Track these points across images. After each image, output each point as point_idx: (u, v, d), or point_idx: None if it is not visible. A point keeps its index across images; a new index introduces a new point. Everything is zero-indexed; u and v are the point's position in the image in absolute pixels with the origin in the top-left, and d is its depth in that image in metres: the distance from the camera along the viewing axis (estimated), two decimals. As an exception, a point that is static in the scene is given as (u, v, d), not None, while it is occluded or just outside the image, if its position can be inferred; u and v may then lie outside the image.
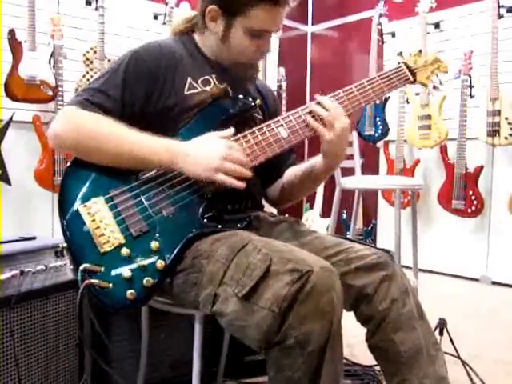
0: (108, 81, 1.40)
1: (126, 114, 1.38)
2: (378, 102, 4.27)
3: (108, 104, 1.37)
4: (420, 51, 1.61)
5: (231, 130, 1.36)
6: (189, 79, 1.46)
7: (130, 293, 1.22)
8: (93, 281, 1.22)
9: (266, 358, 1.14)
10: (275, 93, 1.79)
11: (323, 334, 1.09)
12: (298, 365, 1.09)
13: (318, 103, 1.42)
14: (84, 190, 1.33)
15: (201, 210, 1.34)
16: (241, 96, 1.51)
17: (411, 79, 1.57)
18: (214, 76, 1.51)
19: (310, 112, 1.42)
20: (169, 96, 1.43)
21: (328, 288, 1.11)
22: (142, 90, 1.40)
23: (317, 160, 1.53)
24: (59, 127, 1.37)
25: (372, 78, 1.51)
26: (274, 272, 1.11)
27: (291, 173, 1.64)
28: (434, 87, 1.60)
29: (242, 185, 1.30)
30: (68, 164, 1.39)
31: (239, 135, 1.38)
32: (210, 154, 1.30)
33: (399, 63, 1.58)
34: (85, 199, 1.31)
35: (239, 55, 1.47)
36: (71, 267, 1.69)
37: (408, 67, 1.57)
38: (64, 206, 1.33)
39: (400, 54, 1.63)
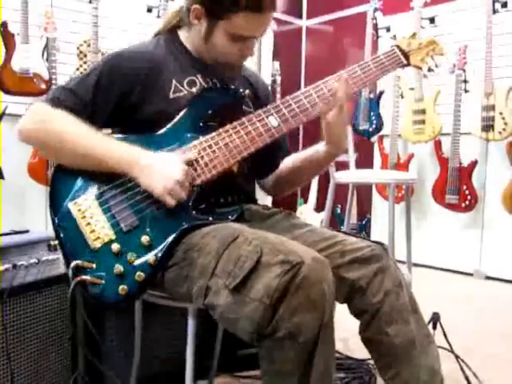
0: (81, 82, 1.40)
1: (97, 117, 1.38)
2: (372, 96, 4.27)
3: (76, 105, 1.37)
4: (414, 34, 1.56)
5: (191, 156, 1.34)
6: (173, 82, 1.45)
7: (121, 288, 1.22)
8: (84, 277, 1.22)
9: (259, 350, 1.13)
10: (270, 87, 1.79)
11: (314, 325, 1.09)
12: (289, 357, 1.09)
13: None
14: (74, 187, 1.33)
15: (191, 203, 1.33)
16: (225, 86, 1.51)
17: (404, 62, 1.53)
18: (199, 76, 1.49)
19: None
20: (152, 102, 1.41)
21: (319, 279, 1.11)
22: (114, 95, 1.40)
23: (318, 148, 1.53)
24: (27, 122, 1.38)
25: (364, 63, 1.48)
26: (265, 263, 1.11)
27: (289, 161, 1.64)
28: (430, 70, 1.56)
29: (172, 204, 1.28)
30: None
31: (228, 126, 1.38)
32: (167, 174, 1.27)
33: (392, 46, 1.54)
34: (75, 196, 1.31)
35: (220, 56, 1.46)
36: (64, 260, 1.68)
37: (401, 50, 1.53)
38: (55, 203, 1.33)
39: (393, 37, 1.60)
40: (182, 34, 1.53)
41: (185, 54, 1.51)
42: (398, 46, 1.54)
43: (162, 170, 1.28)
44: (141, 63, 1.43)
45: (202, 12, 1.40)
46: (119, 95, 1.40)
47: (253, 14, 1.35)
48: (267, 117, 1.40)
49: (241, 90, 1.48)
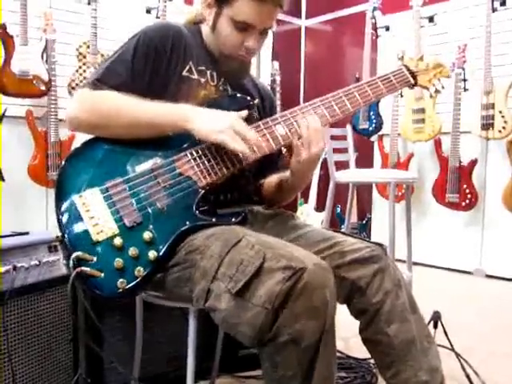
0: (117, 59, 1.43)
1: (137, 88, 1.40)
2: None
3: (117, 81, 1.40)
4: (422, 56, 1.62)
5: (245, 112, 1.39)
6: (190, 63, 1.49)
7: (120, 282, 1.22)
8: (84, 269, 1.22)
9: (260, 354, 1.14)
10: (269, 87, 1.80)
11: (316, 331, 1.09)
12: (291, 361, 1.09)
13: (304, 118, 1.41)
14: (80, 181, 1.33)
15: (195, 203, 1.34)
16: (238, 94, 1.53)
17: (412, 82, 1.57)
18: (210, 71, 1.52)
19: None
20: (170, 68, 1.46)
21: (321, 285, 1.11)
22: (150, 66, 1.43)
23: (285, 176, 1.55)
24: (75, 110, 1.41)
25: (372, 80, 1.52)
26: (267, 269, 1.11)
27: (269, 180, 1.66)
28: (436, 91, 1.60)
29: (245, 150, 1.30)
30: (66, 156, 1.40)
31: None
32: (220, 118, 1.33)
33: (400, 66, 1.58)
34: (80, 190, 1.31)
35: (223, 46, 1.48)
36: (64, 262, 1.69)
37: (409, 70, 1.57)
38: (60, 196, 1.33)
39: (401, 58, 1.64)
40: (204, 29, 1.57)
41: (203, 47, 1.55)
42: (406, 66, 1.58)
43: (215, 115, 1.35)
44: (167, 33, 1.47)
45: (212, 0, 1.46)
46: (153, 64, 1.43)
47: (254, 1, 1.38)
48: (275, 125, 1.41)
49: (248, 98, 1.50)
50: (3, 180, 3.15)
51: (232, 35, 1.44)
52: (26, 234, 1.71)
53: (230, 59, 1.50)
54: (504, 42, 3.69)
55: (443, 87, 1.64)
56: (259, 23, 1.43)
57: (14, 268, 1.55)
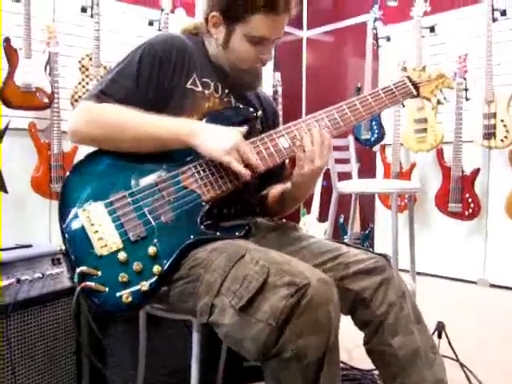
0: (122, 71, 1.43)
1: (141, 100, 1.39)
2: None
3: (122, 93, 1.39)
4: (424, 67, 1.60)
5: (245, 128, 1.39)
6: (194, 75, 1.48)
7: (125, 297, 1.22)
8: (89, 284, 1.22)
9: (263, 368, 1.13)
10: (272, 99, 1.80)
11: (320, 347, 1.09)
12: (295, 377, 1.08)
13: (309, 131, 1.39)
14: (84, 194, 1.33)
15: (199, 217, 1.34)
16: (241, 106, 1.53)
17: (414, 93, 1.56)
18: (215, 83, 1.52)
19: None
20: (174, 80, 1.45)
21: (325, 301, 1.10)
22: (155, 78, 1.42)
23: (287, 187, 1.54)
24: (78, 123, 1.40)
25: (375, 92, 1.51)
26: (271, 285, 1.10)
27: (273, 192, 1.65)
28: (438, 102, 1.59)
29: (247, 174, 1.31)
30: (70, 169, 1.40)
31: None
32: (226, 137, 1.33)
33: (402, 77, 1.57)
34: (84, 203, 1.31)
35: (239, 61, 1.48)
36: (68, 275, 1.69)
37: (411, 81, 1.56)
38: (64, 209, 1.33)
39: (404, 69, 1.63)
40: (207, 42, 1.56)
41: (206, 58, 1.54)
42: (408, 77, 1.57)
43: (220, 132, 1.34)
44: (171, 45, 1.46)
45: (219, 19, 1.45)
46: (158, 76, 1.43)
47: (269, 14, 1.39)
48: (278, 137, 1.41)
49: (252, 110, 1.50)
50: (6, 192, 3.15)
51: (248, 50, 1.45)
52: (30, 246, 1.72)
53: (244, 72, 1.50)
54: (505, 52, 3.70)
55: (445, 98, 1.63)
56: (274, 35, 1.46)
57: (18, 281, 1.55)
